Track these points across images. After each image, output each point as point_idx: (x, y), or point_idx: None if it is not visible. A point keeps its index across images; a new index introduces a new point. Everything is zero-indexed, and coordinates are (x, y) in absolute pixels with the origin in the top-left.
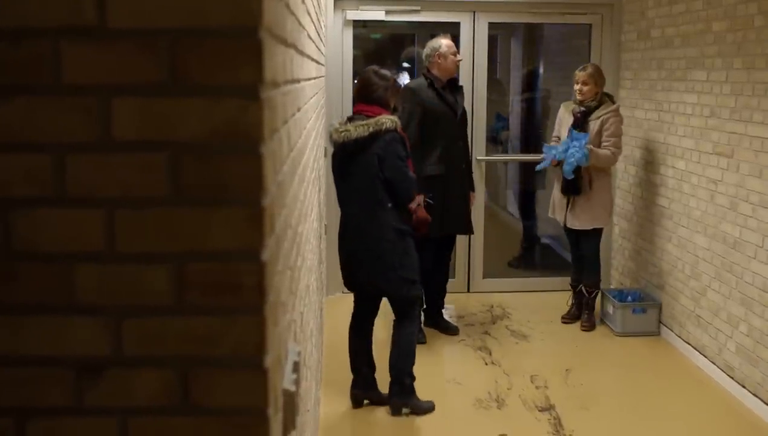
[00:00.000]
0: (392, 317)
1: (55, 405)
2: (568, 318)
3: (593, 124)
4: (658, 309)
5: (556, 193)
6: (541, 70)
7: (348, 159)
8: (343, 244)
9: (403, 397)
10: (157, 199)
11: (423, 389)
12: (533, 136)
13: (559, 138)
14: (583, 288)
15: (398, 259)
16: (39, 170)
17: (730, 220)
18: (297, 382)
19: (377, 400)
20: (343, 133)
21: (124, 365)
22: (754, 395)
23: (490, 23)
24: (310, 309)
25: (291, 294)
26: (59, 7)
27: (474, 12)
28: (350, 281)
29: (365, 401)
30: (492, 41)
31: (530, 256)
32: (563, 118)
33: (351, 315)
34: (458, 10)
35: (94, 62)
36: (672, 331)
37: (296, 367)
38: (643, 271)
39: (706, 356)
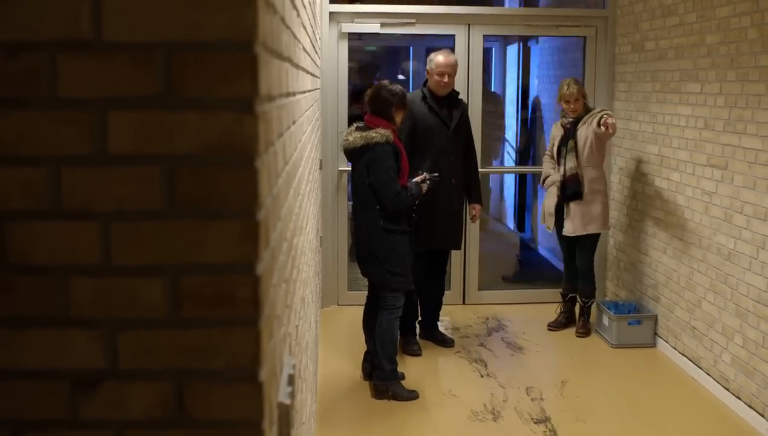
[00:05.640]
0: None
1: (50, 418)
2: (555, 326)
3: (583, 130)
4: (654, 321)
5: (548, 202)
6: (536, 82)
7: (351, 163)
8: (352, 235)
9: (385, 380)
10: (152, 212)
11: (418, 401)
12: (528, 148)
13: (552, 155)
14: (578, 299)
15: (384, 253)
16: (35, 183)
17: (724, 231)
18: (292, 395)
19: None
20: (345, 141)
21: (119, 378)
22: (749, 406)
23: (484, 36)
24: (306, 321)
25: (286, 307)
26: (55, 20)
27: (469, 25)
28: (360, 268)
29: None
30: (487, 54)
31: (525, 270)
32: (555, 136)
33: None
34: (453, 23)
35: (90, 75)
36: (667, 342)
37: (291, 380)
38: (638, 283)
39: (701, 368)
